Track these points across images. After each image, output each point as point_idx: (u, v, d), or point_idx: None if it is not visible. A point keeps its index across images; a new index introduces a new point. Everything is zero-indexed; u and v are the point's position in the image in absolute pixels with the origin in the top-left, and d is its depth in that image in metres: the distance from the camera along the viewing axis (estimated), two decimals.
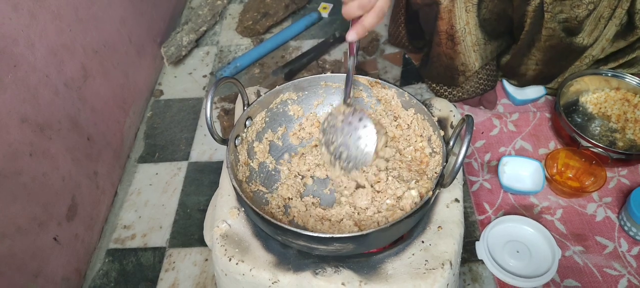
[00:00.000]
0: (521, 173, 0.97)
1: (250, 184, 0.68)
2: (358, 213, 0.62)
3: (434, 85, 1.11)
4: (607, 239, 0.88)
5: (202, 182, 1.06)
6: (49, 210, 0.83)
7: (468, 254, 0.88)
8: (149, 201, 1.03)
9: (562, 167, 0.97)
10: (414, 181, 0.63)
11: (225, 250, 0.59)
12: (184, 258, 0.93)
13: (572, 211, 0.92)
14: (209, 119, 0.59)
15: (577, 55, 0.98)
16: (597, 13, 0.91)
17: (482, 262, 0.86)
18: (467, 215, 0.93)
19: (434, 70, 1.07)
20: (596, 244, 0.87)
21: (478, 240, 0.88)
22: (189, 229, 0.97)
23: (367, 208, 0.61)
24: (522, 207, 0.94)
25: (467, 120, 0.54)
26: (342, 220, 0.61)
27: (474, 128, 1.06)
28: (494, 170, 0.99)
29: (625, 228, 0.87)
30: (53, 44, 0.86)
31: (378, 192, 0.63)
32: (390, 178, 0.63)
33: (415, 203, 0.58)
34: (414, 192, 0.59)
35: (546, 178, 0.95)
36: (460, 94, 1.07)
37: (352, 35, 0.64)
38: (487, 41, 0.97)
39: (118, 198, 1.05)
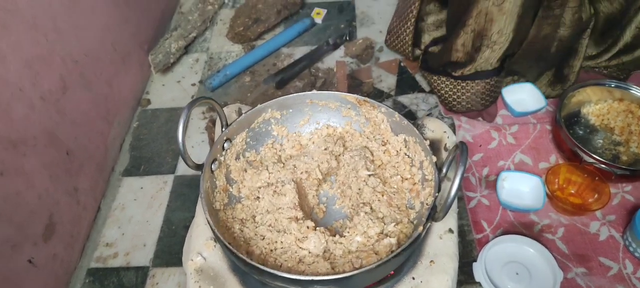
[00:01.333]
0: (521, 189, 0.93)
1: (228, 212, 0.64)
2: (329, 252, 0.57)
3: (443, 85, 1.03)
4: (611, 260, 0.84)
5: (189, 196, 1.01)
6: (24, 231, 0.79)
7: (465, 276, 0.83)
8: (133, 217, 0.99)
9: (564, 183, 0.92)
10: (393, 223, 0.59)
11: (199, 286, 0.55)
12: (167, 279, 0.89)
13: (574, 230, 0.88)
14: (181, 144, 0.55)
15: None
16: None
17: (479, 284, 0.82)
18: (464, 234, 0.88)
19: (459, 40, 0.95)
20: (600, 266, 0.83)
21: (475, 260, 0.84)
22: (173, 247, 0.93)
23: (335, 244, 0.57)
24: (521, 225, 0.89)
25: (461, 147, 0.50)
26: (314, 262, 0.56)
27: (471, 141, 1.02)
28: (492, 185, 0.95)
29: (631, 249, 0.83)
30: (28, 56, 0.82)
31: (348, 227, 0.59)
32: (362, 213, 0.59)
33: (391, 251, 0.54)
34: (393, 240, 0.55)
35: (547, 194, 0.90)
36: (469, 105, 1.02)
37: None
38: (528, 9, 0.89)
39: (101, 213, 1.00)
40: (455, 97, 1.03)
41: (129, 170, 1.08)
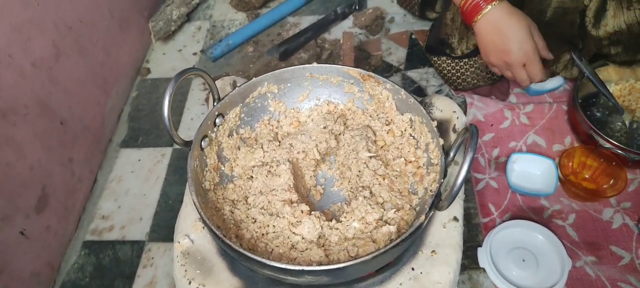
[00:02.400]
0: (532, 172, 0.89)
1: (219, 192, 0.60)
2: (324, 239, 0.54)
3: (445, 65, 0.99)
4: (623, 249, 0.80)
5: (187, 170, 0.99)
6: (15, 203, 0.77)
7: (469, 261, 0.80)
8: (129, 190, 0.97)
9: (578, 167, 0.88)
10: (394, 210, 0.55)
11: (186, 270, 0.52)
12: (163, 253, 0.87)
13: (586, 216, 0.84)
14: (167, 119, 0.51)
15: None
16: None
17: (483, 270, 0.79)
18: (470, 217, 0.85)
19: (446, 16, 0.93)
20: (611, 255, 0.79)
21: (480, 245, 0.80)
22: (170, 222, 0.91)
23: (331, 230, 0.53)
24: (531, 209, 0.85)
25: (472, 130, 0.45)
26: (307, 249, 0.53)
27: (483, 120, 0.97)
28: (502, 167, 0.91)
29: None
30: (17, 20, 0.78)
31: (345, 212, 0.55)
32: (361, 198, 0.55)
33: (390, 240, 0.50)
34: (392, 228, 0.51)
35: (559, 179, 0.86)
36: (475, 80, 0.97)
37: None
38: None
39: (97, 185, 0.98)
40: (459, 75, 0.98)
41: (126, 141, 1.05)
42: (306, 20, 1.26)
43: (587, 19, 0.85)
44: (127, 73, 1.13)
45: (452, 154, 0.53)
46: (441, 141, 0.56)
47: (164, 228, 0.91)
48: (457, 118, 0.64)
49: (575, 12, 0.84)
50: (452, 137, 0.60)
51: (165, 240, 0.89)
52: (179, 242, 0.55)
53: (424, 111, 0.59)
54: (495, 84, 0.98)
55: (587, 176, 0.87)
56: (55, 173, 0.86)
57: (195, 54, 1.22)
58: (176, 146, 1.03)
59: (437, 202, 0.48)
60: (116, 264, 0.87)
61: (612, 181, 0.84)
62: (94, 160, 0.99)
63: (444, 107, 0.66)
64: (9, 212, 0.75)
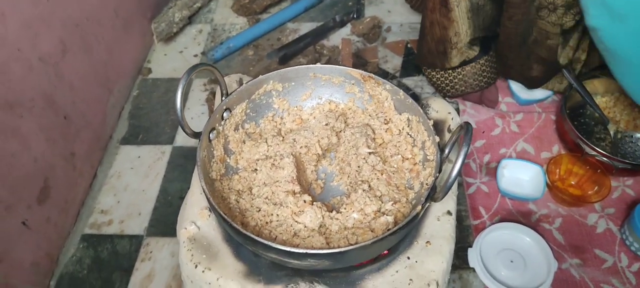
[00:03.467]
0: (521, 177, 0.92)
1: (225, 182, 0.63)
2: (325, 228, 0.56)
3: (434, 72, 1.04)
4: (606, 253, 0.83)
5: (186, 167, 1.01)
6: (18, 193, 0.78)
7: (459, 261, 0.83)
8: (129, 185, 0.99)
9: (565, 174, 0.91)
10: (391, 202, 0.57)
11: (192, 255, 0.54)
12: (161, 248, 0.89)
13: (571, 221, 0.87)
14: (179, 110, 0.54)
15: None
16: None
17: (473, 270, 0.82)
18: (461, 219, 0.88)
19: (425, 47, 1.00)
20: (595, 258, 0.83)
21: (471, 246, 0.83)
22: (168, 217, 0.93)
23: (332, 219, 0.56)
24: (519, 213, 0.89)
25: (466, 128, 0.48)
26: (309, 236, 0.55)
27: (475, 127, 1.00)
28: (492, 172, 0.94)
29: (627, 242, 0.83)
30: (27, 16, 0.80)
31: (345, 203, 0.58)
32: (360, 191, 0.58)
33: (388, 229, 0.53)
34: (390, 218, 0.54)
35: (547, 184, 0.89)
36: (463, 87, 1.01)
37: None
38: (480, 8, 0.91)
39: (97, 180, 1.00)
40: (448, 82, 1.02)
41: (127, 139, 1.07)
42: (305, 27, 1.30)
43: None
44: (128, 72, 1.15)
45: (447, 151, 0.56)
46: (437, 138, 0.59)
47: (162, 223, 0.92)
48: (452, 119, 0.68)
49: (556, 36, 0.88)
50: (447, 136, 0.63)
51: (164, 235, 0.90)
52: (185, 228, 0.57)
53: (421, 111, 0.62)
54: (484, 91, 1.02)
55: (573, 182, 0.91)
56: (58, 167, 0.88)
57: (196, 55, 1.24)
58: (176, 144, 1.05)
59: (433, 194, 0.51)
60: (114, 257, 0.88)
61: (597, 188, 0.87)
62: (94, 155, 1.00)
63: (440, 108, 0.70)
64: (12, 201, 0.77)
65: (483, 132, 1.00)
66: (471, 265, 0.80)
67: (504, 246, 0.83)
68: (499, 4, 0.91)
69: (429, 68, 1.03)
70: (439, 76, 1.03)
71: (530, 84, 1.01)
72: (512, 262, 0.81)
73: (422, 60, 1.04)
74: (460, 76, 1.00)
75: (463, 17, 0.89)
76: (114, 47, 1.07)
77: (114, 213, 0.94)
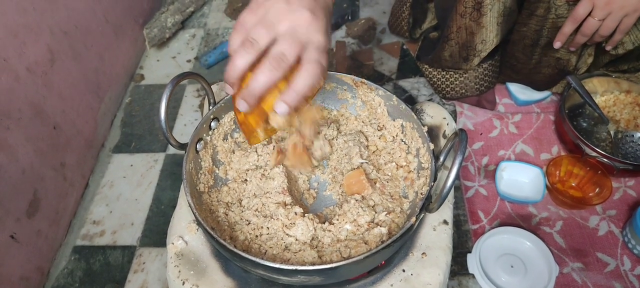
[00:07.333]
0: (520, 180, 0.90)
1: (213, 194, 0.61)
2: (317, 240, 0.54)
3: (435, 73, 1.02)
4: (609, 256, 0.81)
5: (179, 176, 0.99)
6: (6, 206, 0.76)
7: (458, 266, 0.82)
8: (121, 195, 0.97)
9: (565, 175, 0.90)
10: (385, 212, 0.56)
11: (179, 271, 0.53)
12: (154, 259, 0.87)
13: (572, 223, 0.85)
14: (163, 121, 0.52)
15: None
16: None
17: (472, 276, 0.80)
18: (459, 224, 0.86)
19: (445, 52, 0.97)
20: (597, 261, 0.81)
21: (470, 252, 0.81)
22: (161, 227, 0.91)
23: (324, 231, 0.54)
24: (519, 216, 0.87)
25: (461, 135, 0.47)
26: (300, 250, 0.53)
27: (472, 129, 0.99)
28: (491, 175, 0.92)
29: (629, 245, 0.81)
30: (13, 25, 0.78)
31: (337, 214, 0.56)
32: (352, 201, 0.56)
33: (382, 241, 0.51)
34: (384, 230, 0.52)
35: (547, 187, 0.88)
36: (463, 90, 0.99)
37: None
38: (512, 11, 0.89)
39: (89, 190, 0.98)
40: (448, 84, 1.00)
41: (119, 147, 1.05)
42: None
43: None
44: (120, 79, 1.13)
45: (442, 158, 0.54)
46: (432, 146, 0.57)
47: (155, 233, 0.91)
48: (447, 124, 0.66)
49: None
50: (442, 142, 0.61)
51: (157, 245, 0.89)
52: (172, 243, 0.56)
53: (415, 117, 0.60)
54: (483, 94, 1.00)
55: (573, 184, 0.89)
56: (47, 178, 0.86)
57: (189, 61, 1.23)
58: (169, 152, 1.03)
59: (428, 204, 0.49)
60: (107, 269, 0.87)
61: (598, 189, 0.86)
62: (86, 165, 0.98)
63: (435, 113, 0.68)
64: (0, 214, 0.75)
65: (481, 134, 0.99)
66: (470, 271, 0.79)
67: (504, 251, 0.81)
68: (521, 8, 0.89)
69: (442, 69, 1.02)
70: (440, 77, 1.01)
71: (538, 87, 1.00)
72: (512, 267, 0.79)
73: (437, 64, 1.02)
74: (462, 78, 0.98)
75: (493, 23, 0.88)
76: (104, 53, 1.06)
77: (107, 224, 0.93)
